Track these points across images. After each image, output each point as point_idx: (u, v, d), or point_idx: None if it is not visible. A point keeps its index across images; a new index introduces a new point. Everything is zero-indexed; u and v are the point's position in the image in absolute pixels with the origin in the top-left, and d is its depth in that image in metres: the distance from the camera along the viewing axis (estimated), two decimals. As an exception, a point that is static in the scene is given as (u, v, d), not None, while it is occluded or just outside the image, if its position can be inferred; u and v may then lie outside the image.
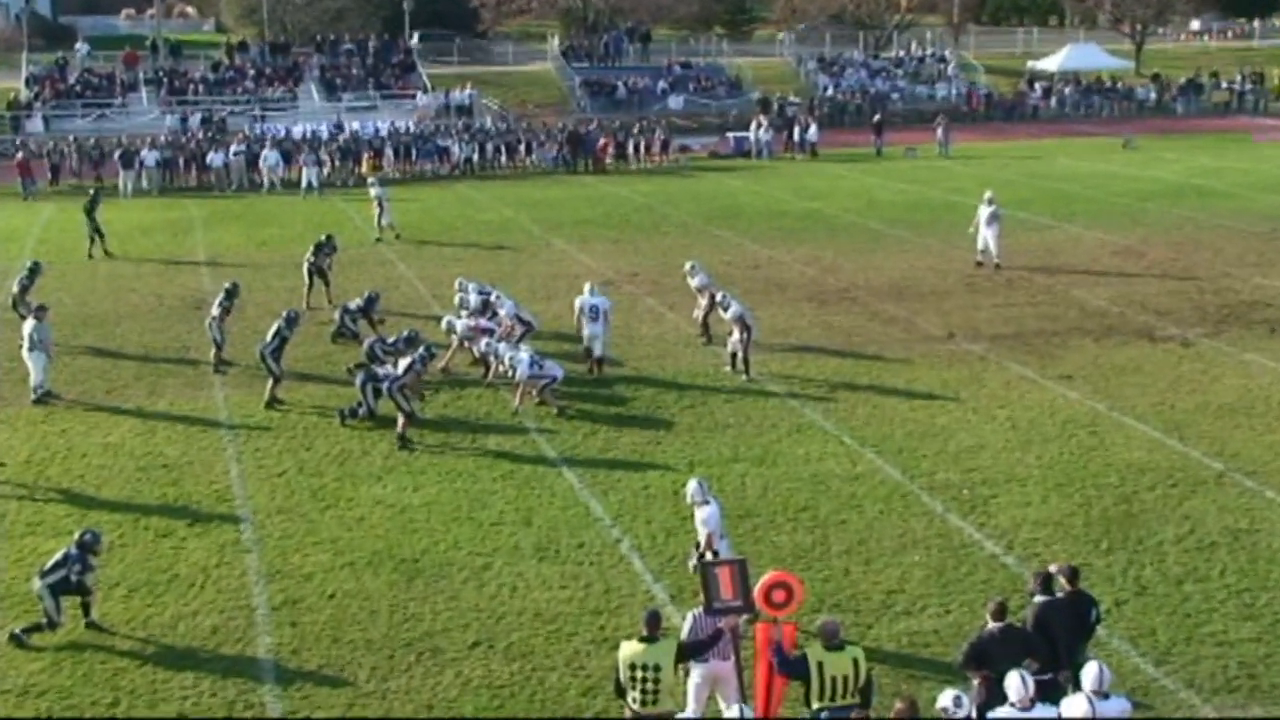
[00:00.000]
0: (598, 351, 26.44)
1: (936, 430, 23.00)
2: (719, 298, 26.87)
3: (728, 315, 26.07)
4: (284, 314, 25.86)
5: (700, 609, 13.52)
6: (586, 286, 27.12)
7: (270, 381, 25.15)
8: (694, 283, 29.29)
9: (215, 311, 27.55)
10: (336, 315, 29.14)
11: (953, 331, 29.28)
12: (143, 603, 17.16)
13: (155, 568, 18.18)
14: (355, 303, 29.14)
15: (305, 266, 32.92)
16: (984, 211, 35.65)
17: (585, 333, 26.48)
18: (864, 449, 22.12)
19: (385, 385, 23.12)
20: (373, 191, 42.47)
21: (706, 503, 16.81)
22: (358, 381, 23.87)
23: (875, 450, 22.04)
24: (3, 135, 63.98)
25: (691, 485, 17.04)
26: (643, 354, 28.00)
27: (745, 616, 13.57)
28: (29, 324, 25.85)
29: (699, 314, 28.84)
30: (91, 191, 40.25)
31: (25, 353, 25.64)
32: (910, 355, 27.58)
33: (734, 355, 26.16)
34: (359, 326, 28.64)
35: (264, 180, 54.47)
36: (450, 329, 26.94)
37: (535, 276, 35.40)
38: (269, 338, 25.25)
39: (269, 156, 54.98)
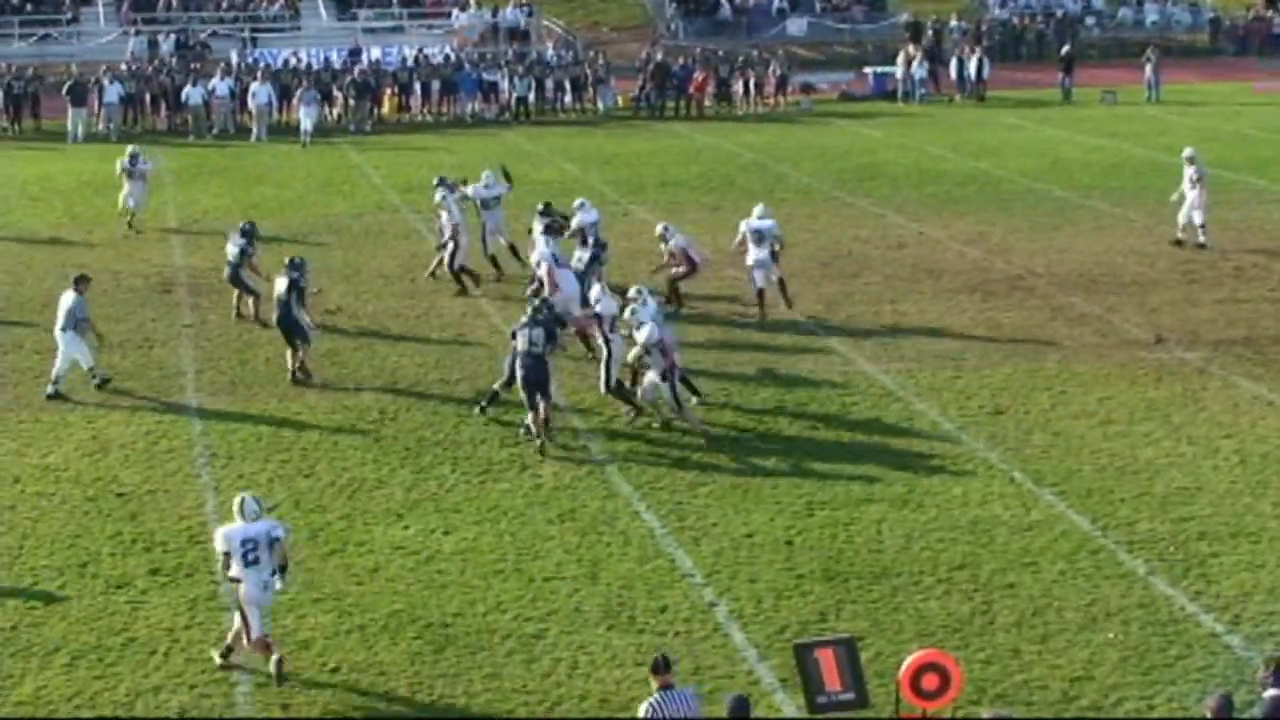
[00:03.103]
0: (759, 283, 30.08)
1: (1138, 466, 22.84)
2: (630, 297, 25.29)
3: (639, 336, 24.49)
4: (287, 262, 26.89)
5: (657, 694, 13.61)
6: (756, 209, 30.94)
7: (290, 351, 26.44)
8: (671, 245, 30.85)
9: (233, 257, 29.68)
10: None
11: (1162, 335, 29.09)
12: (89, 674, 17.32)
13: (106, 628, 18.34)
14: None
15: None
16: (1189, 173, 35.57)
17: (749, 260, 30.21)
18: (1041, 490, 22.00)
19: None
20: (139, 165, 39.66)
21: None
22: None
23: (1056, 491, 21.92)
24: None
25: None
26: (747, 359, 28.00)
27: None
28: (67, 297, 26.64)
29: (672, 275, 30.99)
30: None
31: (58, 333, 26.50)
32: (1105, 366, 27.42)
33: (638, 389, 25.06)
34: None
35: (253, 125, 55.00)
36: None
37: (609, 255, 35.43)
38: (278, 300, 26.44)
39: (259, 93, 55.49)
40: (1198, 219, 35.48)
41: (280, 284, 26.80)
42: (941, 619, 18.27)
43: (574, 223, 31.39)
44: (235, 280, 30.22)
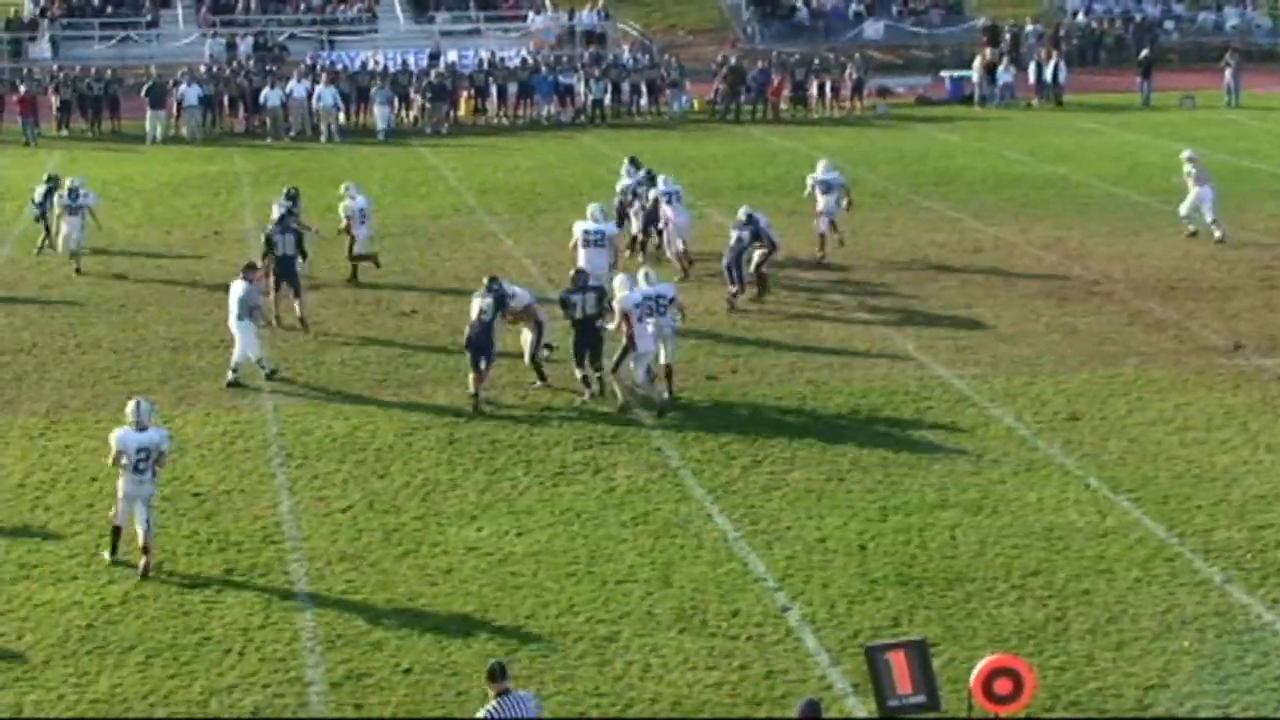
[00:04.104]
0: (822, 228, 34.90)
1: (1216, 473, 22.71)
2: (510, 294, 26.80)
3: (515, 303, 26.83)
4: (283, 192, 27.69)
5: (495, 701, 14.01)
6: (821, 163, 35.79)
7: (296, 301, 28.54)
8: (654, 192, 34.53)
9: (276, 215, 31.26)
10: None
11: (1241, 342, 28.90)
12: (164, 673, 17.45)
13: (182, 628, 18.48)
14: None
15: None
16: (1188, 170, 37.24)
17: (819, 208, 34.98)
18: (1117, 496, 21.90)
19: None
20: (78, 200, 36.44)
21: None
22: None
23: (1132, 498, 21.82)
24: (1, 63, 65.31)
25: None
26: (822, 363, 27.99)
27: None
28: (237, 287, 27.12)
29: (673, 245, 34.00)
30: (47, 180, 37.82)
31: (233, 322, 27.04)
32: (1183, 372, 27.27)
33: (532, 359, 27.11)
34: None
35: (321, 126, 55.36)
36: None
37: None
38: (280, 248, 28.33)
39: (324, 95, 55.82)
40: (1208, 216, 36.70)
41: (480, 303, 26.08)
42: (1015, 625, 18.21)
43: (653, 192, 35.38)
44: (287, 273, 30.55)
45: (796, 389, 26.58)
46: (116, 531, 20.02)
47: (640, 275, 26.47)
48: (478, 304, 25.97)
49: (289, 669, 17.44)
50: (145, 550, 19.63)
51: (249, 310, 26.94)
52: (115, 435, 19.98)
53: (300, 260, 30.65)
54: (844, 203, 35.28)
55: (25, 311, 31.89)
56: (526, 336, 27.03)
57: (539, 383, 26.76)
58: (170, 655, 17.80)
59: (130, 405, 20.00)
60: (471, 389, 25.73)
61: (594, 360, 26.04)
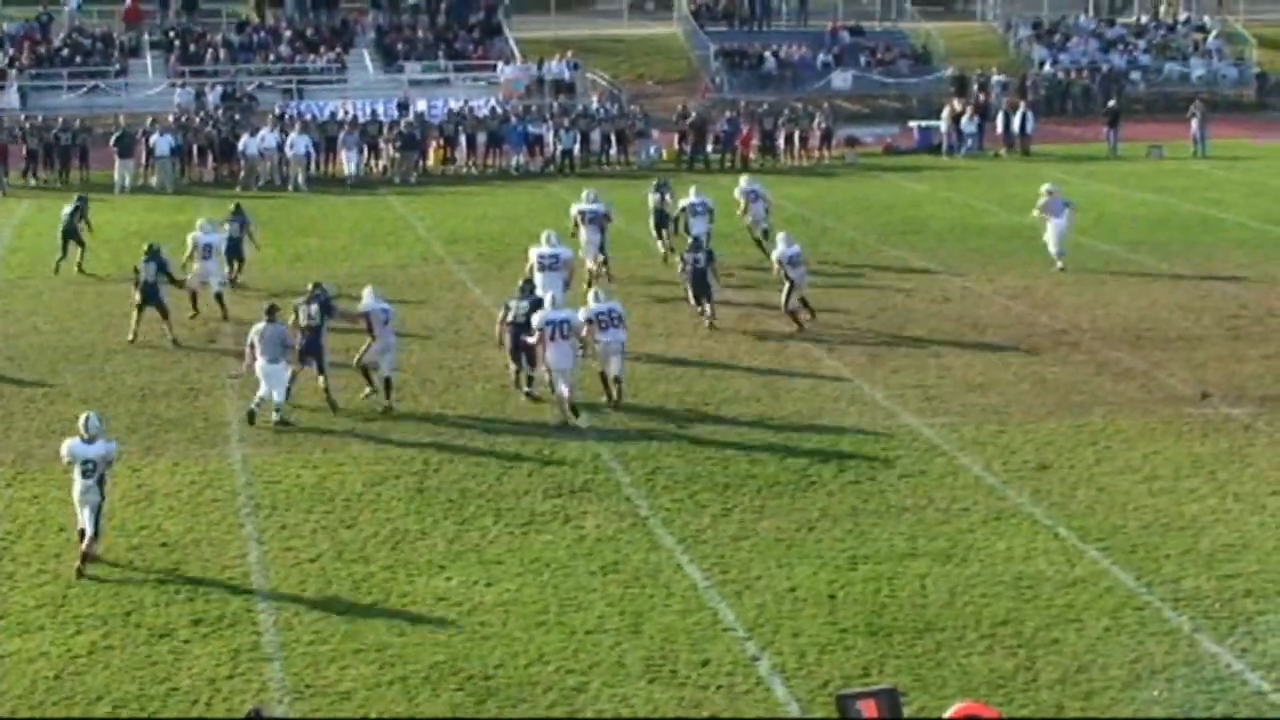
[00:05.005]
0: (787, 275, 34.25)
1: (1184, 522, 22.75)
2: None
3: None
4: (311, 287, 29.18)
5: None
6: (781, 236, 34.86)
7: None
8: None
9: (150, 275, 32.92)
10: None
11: (1208, 390, 28.99)
12: (132, 723, 17.41)
13: (149, 678, 18.40)
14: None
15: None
16: (1043, 202, 39.73)
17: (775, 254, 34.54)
18: (1085, 545, 21.93)
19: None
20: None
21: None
22: None
23: (1101, 547, 21.85)
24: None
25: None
26: (791, 411, 28.02)
27: None
28: (267, 329, 27.23)
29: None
30: (77, 201, 41.46)
31: (265, 364, 27.16)
32: (1150, 421, 27.34)
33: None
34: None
35: (290, 175, 55.43)
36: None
37: (647, 312, 35.53)
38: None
39: (296, 143, 55.93)
40: (1052, 248, 39.38)
41: (306, 309, 28.38)
42: (985, 675, 18.21)
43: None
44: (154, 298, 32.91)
45: (766, 438, 26.59)
46: (81, 534, 21.47)
47: (590, 294, 29.26)
48: (304, 311, 28.18)
49: (257, 720, 17.37)
50: (87, 543, 21.28)
51: (283, 351, 27.23)
52: (65, 445, 21.83)
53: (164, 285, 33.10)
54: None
55: (-8, 361, 31.82)
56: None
57: (368, 390, 28.66)
58: (138, 706, 17.72)
59: (81, 418, 21.83)
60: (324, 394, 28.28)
61: (530, 362, 28.52)
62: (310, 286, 29.03)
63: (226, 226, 37.64)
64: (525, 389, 28.84)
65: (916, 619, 19.58)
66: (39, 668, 18.52)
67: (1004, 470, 24.98)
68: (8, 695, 17.86)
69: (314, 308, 28.15)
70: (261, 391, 27.36)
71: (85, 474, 21.36)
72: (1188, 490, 24.03)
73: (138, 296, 32.91)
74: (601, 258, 37.74)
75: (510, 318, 28.74)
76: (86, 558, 21.19)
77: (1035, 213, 40.30)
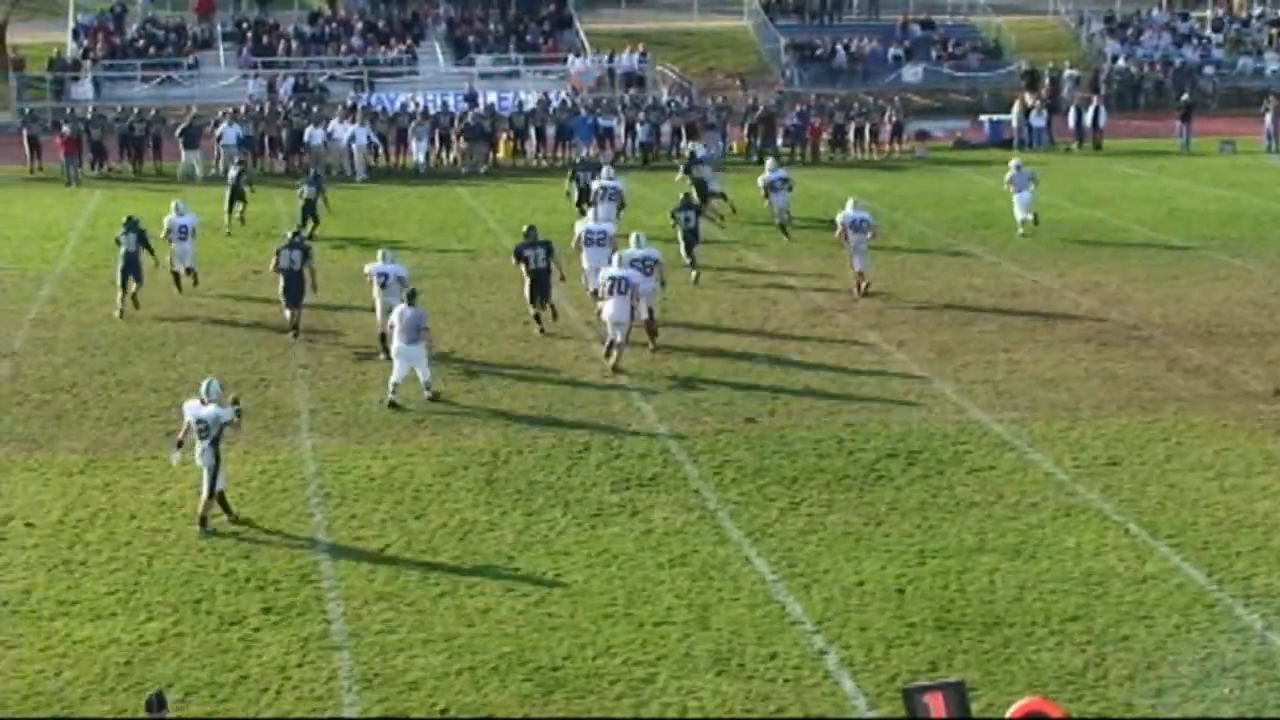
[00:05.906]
0: (857, 267, 35.99)
1: (1257, 519, 22.62)
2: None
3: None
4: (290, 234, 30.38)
5: None
6: (850, 202, 36.60)
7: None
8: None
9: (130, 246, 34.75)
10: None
11: (1281, 387, 28.87)
12: (202, 709, 17.48)
13: (219, 666, 18.52)
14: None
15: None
16: (1011, 176, 43.37)
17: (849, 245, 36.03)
18: (1156, 541, 21.83)
19: None
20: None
21: None
22: None
23: (1172, 544, 21.74)
24: (44, 103, 65.67)
25: None
26: (860, 405, 27.97)
27: None
28: (408, 312, 28.01)
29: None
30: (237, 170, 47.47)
31: (404, 346, 27.89)
32: (1222, 418, 27.19)
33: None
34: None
35: (354, 167, 55.69)
36: None
37: (719, 302, 35.52)
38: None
39: (357, 135, 56.17)
40: (1019, 214, 43.15)
41: (288, 254, 32.30)
42: (1054, 670, 18.14)
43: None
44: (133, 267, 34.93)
45: (834, 431, 26.56)
46: (219, 503, 22.98)
47: (632, 238, 32.15)
48: (285, 255, 32.17)
49: (325, 708, 17.46)
50: (204, 504, 22.66)
51: (419, 333, 27.85)
52: (186, 406, 23.29)
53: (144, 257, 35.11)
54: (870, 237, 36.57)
55: (66, 350, 32.01)
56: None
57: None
58: (208, 693, 17.82)
59: (204, 382, 23.34)
60: (290, 323, 32.52)
61: (544, 301, 32.41)
62: (289, 234, 33.86)
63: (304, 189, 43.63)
64: (539, 328, 32.47)
65: (985, 614, 19.52)
66: (110, 654, 18.65)
67: (1074, 466, 24.87)
68: (79, 682, 17.99)
69: (295, 253, 32.31)
70: (395, 376, 27.93)
71: (201, 435, 22.59)
72: (1260, 487, 23.88)
73: (121, 265, 34.80)
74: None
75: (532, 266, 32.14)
76: (203, 517, 22.55)
77: (1005, 185, 44.07)
